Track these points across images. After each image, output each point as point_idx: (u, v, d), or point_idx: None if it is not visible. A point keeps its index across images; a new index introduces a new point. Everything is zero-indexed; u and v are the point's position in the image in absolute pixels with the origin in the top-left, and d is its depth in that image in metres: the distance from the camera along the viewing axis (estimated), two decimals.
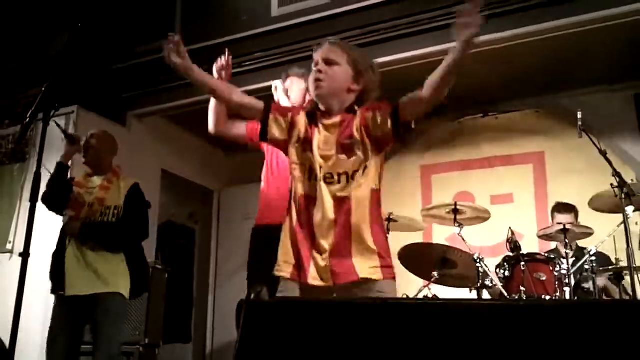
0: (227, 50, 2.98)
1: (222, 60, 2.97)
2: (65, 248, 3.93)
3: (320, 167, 2.46)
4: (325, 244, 2.41)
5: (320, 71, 2.51)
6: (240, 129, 2.95)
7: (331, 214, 2.41)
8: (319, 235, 2.43)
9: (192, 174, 7.29)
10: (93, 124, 4.63)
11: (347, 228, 2.41)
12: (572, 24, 4.84)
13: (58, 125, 3.97)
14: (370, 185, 2.47)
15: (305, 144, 2.53)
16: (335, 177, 2.45)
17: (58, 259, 3.95)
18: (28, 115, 2.35)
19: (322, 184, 2.45)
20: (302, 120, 2.57)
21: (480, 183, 6.32)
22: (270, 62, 5.76)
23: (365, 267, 2.40)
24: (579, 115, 4.29)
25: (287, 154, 2.61)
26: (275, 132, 2.57)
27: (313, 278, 2.41)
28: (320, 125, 2.53)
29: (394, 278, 2.50)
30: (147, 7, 6.51)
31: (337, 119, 2.51)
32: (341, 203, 2.42)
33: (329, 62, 2.52)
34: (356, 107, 2.52)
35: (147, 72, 6.39)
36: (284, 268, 2.49)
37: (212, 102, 2.93)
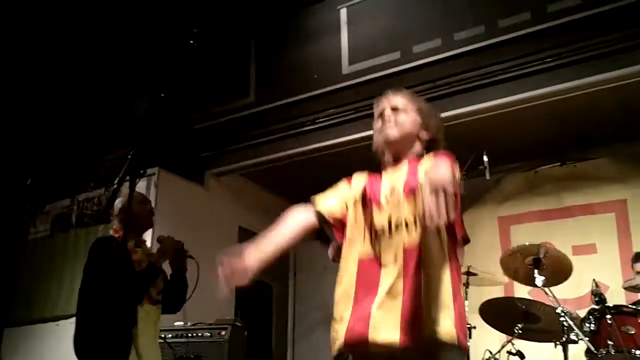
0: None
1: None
2: (134, 321, 3.65)
3: (389, 220, 2.19)
4: (393, 302, 2.09)
5: (389, 119, 2.37)
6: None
7: (401, 269, 2.11)
8: (385, 295, 2.11)
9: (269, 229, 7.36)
10: (173, 185, 4.75)
11: (418, 281, 2.09)
12: None
13: (189, 255, 4.08)
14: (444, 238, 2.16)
15: (365, 200, 2.28)
16: (403, 226, 2.16)
17: (122, 331, 3.56)
18: (115, 182, 2.44)
19: (390, 235, 2.17)
20: (359, 179, 2.37)
21: (561, 233, 6.15)
22: (343, 119, 5.86)
23: (437, 327, 2.05)
24: None
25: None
26: (337, 212, 2.33)
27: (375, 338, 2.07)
28: (384, 176, 2.32)
29: (465, 349, 2.13)
30: (221, 68, 6.75)
31: (403, 166, 2.31)
32: (411, 254, 2.12)
33: (396, 110, 2.38)
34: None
35: (223, 131, 6.60)
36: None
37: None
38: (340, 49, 6.11)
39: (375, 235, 2.21)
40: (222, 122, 6.63)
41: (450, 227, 2.12)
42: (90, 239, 6.30)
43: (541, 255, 4.54)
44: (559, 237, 6.12)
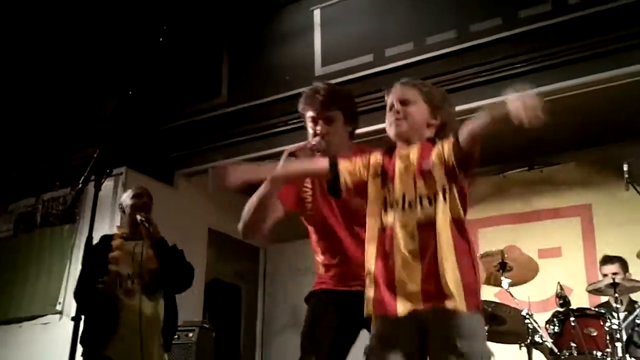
0: None
1: None
2: (116, 309, 3.80)
3: (403, 195, 2.35)
4: (412, 273, 2.27)
5: (397, 112, 2.46)
6: (277, 212, 2.80)
7: (416, 242, 2.28)
8: (403, 265, 2.28)
9: (238, 232, 7.30)
10: (141, 185, 4.70)
11: (433, 256, 2.25)
12: (617, 76, 4.83)
13: (144, 221, 3.98)
14: (451, 214, 2.30)
15: (384, 176, 2.44)
16: (416, 203, 2.33)
17: (106, 319, 3.79)
18: (80, 181, 2.41)
19: (404, 211, 2.33)
20: (376, 157, 2.50)
21: (527, 236, 6.21)
22: None
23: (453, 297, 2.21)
24: (625, 167, 4.24)
25: (362, 196, 2.48)
26: (349, 179, 2.46)
27: (403, 306, 2.26)
28: (398, 157, 2.44)
29: (478, 309, 2.29)
30: (193, 68, 6.71)
31: (415, 147, 2.43)
32: (425, 230, 2.29)
33: (404, 103, 2.47)
34: (437, 139, 2.43)
35: (194, 131, 6.56)
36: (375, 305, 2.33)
37: (257, 197, 2.75)
38: (314, 51, 6.12)
39: (391, 209, 2.37)
40: (193, 122, 6.59)
41: (462, 195, 2.32)
42: (55, 239, 6.23)
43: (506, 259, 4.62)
44: (526, 240, 6.18)
